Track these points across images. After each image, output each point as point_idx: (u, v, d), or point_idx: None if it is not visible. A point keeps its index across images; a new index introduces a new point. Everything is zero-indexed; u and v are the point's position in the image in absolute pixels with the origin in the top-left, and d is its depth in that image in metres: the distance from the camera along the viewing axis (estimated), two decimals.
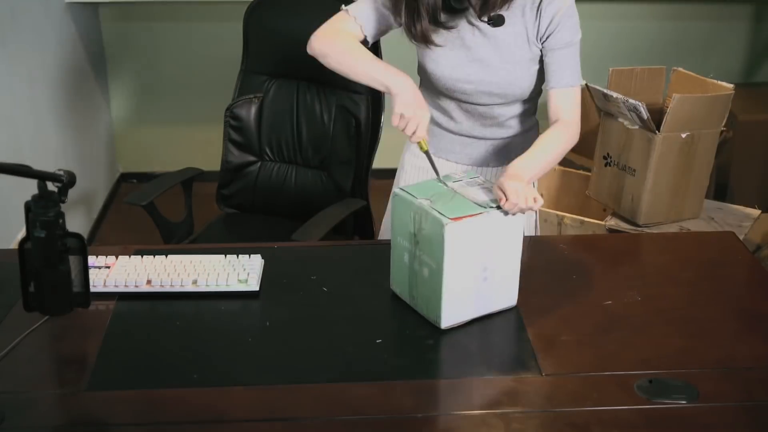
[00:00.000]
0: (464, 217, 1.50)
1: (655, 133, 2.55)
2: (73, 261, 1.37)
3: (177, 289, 1.67)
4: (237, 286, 1.67)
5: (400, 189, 1.61)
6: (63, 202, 1.33)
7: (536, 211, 2.13)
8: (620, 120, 2.67)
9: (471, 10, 1.80)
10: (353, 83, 2.19)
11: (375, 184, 2.59)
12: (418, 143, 1.73)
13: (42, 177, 1.31)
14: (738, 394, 1.42)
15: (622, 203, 2.73)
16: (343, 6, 1.90)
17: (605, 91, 2.63)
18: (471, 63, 1.86)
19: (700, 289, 1.75)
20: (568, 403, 1.39)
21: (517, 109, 1.94)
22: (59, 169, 1.34)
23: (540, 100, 1.99)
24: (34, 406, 1.38)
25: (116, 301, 1.65)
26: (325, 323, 1.60)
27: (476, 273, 1.55)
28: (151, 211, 2.45)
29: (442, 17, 1.80)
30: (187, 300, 1.66)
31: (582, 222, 2.80)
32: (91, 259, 1.71)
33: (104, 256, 1.75)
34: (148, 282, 1.67)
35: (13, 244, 2.59)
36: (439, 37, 1.84)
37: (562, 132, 1.83)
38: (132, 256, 1.75)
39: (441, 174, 1.67)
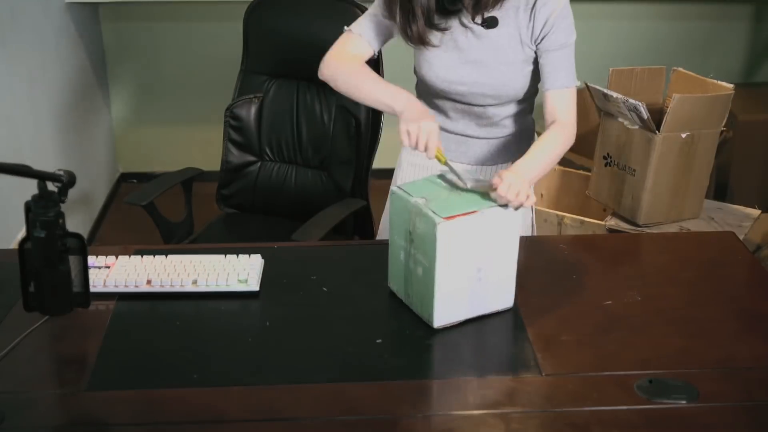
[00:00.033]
0: (457, 216, 1.50)
1: (655, 133, 2.55)
2: (73, 261, 1.36)
3: (177, 289, 1.66)
4: (237, 286, 1.67)
5: (398, 187, 1.60)
6: (63, 202, 1.33)
7: (533, 212, 2.13)
8: (620, 120, 2.67)
9: (464, 12, 1.81)
10: None
11: (375, 184, 2.59)
12: (436, 157, 1.68)
13: (42, 177, 1.31)
14: (738, 394, 1.42)
15: (622, 203, 2.73)
16: (345, 27, 1.92)
17: (605, 91, 2.63)
18: (464, 65, 1.87)
19: (700, 289, 1.75)
20: (568, 403, 1.39)
21: (512, 109, 1.94)
22: (59, 169, 1.33)
23: (536, 101, 1.99)
24: (34, 406, 1.38)
25: (116, 301, 1.65)
26: (324, 323, 1.60)
27: (470, 273, 1.55)
28: (151, 211, 2.45)
29: (436, 19, 1.81)
30: (187, 300, 1.66)
31: (582, 222, 2.80)
32: (91, 259, 1.71)
33: (104, 256, 1.74)
34: (148, 282, 1.67)
35: (13, 244, 2.59)
36: (434, 38, 1.85)
37: (559, 133, 1.83)
38: (132, 256, 1.75)
39: (462, 177, 1.61)
